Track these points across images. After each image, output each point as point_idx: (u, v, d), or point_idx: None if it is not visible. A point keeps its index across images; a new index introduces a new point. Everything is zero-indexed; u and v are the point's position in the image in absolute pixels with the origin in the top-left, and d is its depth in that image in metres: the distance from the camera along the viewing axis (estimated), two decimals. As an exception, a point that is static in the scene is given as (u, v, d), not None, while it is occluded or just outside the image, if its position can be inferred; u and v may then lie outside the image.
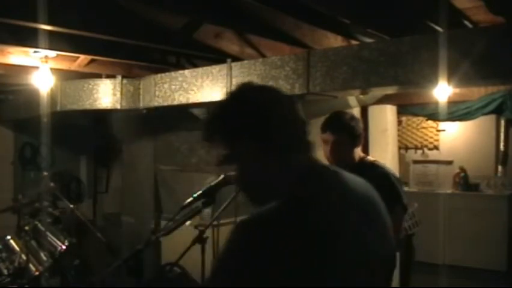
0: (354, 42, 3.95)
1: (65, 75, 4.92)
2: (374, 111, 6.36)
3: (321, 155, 2.40)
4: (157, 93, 4.65)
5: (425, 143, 6.92)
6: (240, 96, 1.17)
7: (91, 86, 4.90)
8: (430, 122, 6.80)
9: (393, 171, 2.62)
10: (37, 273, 3.46)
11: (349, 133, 2.51)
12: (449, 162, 6.57)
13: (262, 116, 1.10)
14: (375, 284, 1.10)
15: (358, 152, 2.59)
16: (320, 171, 1.14)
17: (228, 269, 0.97)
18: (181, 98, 4.45)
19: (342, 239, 1.01)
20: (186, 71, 4.46)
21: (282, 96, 1.18)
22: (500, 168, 6.29)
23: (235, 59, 4.12)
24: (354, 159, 2.54)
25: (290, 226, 0.96)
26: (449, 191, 6.35)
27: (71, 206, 3.85)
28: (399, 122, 6.94)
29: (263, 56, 4.12)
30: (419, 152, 6.95)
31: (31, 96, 5.41)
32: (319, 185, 1.08)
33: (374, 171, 2.48)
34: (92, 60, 4.57)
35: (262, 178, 1.14)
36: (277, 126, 1.10)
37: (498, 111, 5.80)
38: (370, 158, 2.63)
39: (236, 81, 4.03)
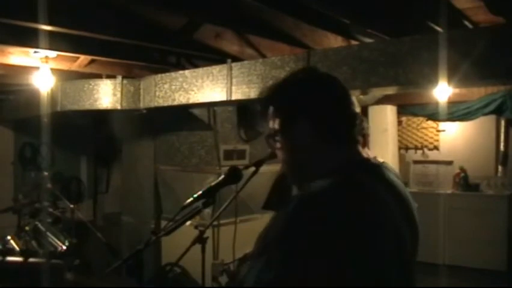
0: (354, 42, 3.96)
1: (65, 76, 4.93)
2: (374, 111, 6.37)
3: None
4: (157, 93, 4.65)
5: (425, 143, 6.92)
6: (313, 79, 1.18)
7: (91, 86, 4.90)
8: (430, 122, 6.80)
9: (398, 174, 2.57)
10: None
11: None
12: (449, 163, 6.56)
13: (327, 104, 1.13)
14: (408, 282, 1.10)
15: (365, 151, 2.55)
16: (365, 162, 1.17)
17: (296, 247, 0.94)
18: (181, 98, 4.45)
19: (387, 228, 1.02)
20: (186, 71, 4.46)
21: (343, 88, 1.20)
22: (500, 168, 6.29)
23: (236, 59, 4.12)
24: None
25: (348, 207, 0.97)
26: (449, 191, 6.35)
27: (71, 206, 3.86)
28: (400, 122, 6.94)
29: (263, 56, 4.12)
30: (419, 152, 6.95)
31: (31, 96, 5.41)
32: (365, 174, 1.10)
33: None
34: (92, 61, 4.57)
35: (311, 161, 1.14)
36: (336, 116, 1.13)
37: (498, 112, 5.80)
38: (379, 159, 2.59)
39: (236, 82, 4.03)
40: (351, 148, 1.16)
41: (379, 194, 1.06)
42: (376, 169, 1.16)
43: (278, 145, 1.17)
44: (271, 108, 1.17)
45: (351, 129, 1.16)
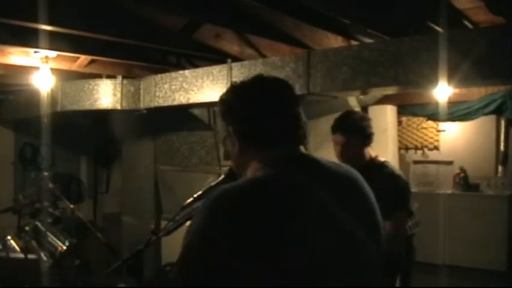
0: (354, 42, 3.96)
1: (66, 76, 4.93)
2: (374, 111, 6.36)
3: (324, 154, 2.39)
4: (157, 93, 4.65)
5: (425, 143, 6.91)
6: (244, 89, 1.27)
7: (91, 87, 4.90)
8: (430, 122, 6.80)
9: (402, 174, 2.59)
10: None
11: (359, 134, 2.51)
12: (449, 163, 6.56)
13: (253, 111, 1.22)
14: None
15: (368, 151, 2.58)
16: (297, 158, 1.20)
17: (195, 241, 1.02)
18: (181, 98, 4.45)
19: (304, 217, 1.04)
20: (186, 71, 4.46)
21: (279, 93, 1.24)
22: (500, 168, 6.28)
23: (236, 59, 4.12)
24: (364, 159, 2.53)
25: (249, 200, 1.03)
26: (449, 191, 6.34)
27: (72, 206, 3.85)
28: (400, 122, 6.93)
29: (263, 56, 4.12)
30: (419, 152, 6.95)
31: (31, 97, 5.41)
32: (287, 167, 1.14)
33: (382, 171, 2.48)
34: (92, 61, 4.57)
35: (245, 161, 1.22)
36: (262, 121, 1.20)
37: (498, 112, 5.79)
38: (381, 158, 2.61)
39: (236, 82, 4.03)
40: (285, 147, 1.20)
41: (299, 187, 1.09)
42: (310, 165, 1.18)
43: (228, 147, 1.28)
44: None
45: (286, 130, 1.21)
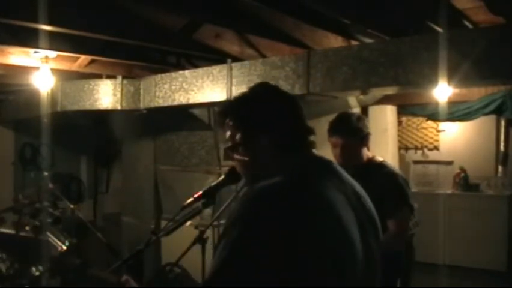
0: (354, 42, 3.96)
1: (66, 76, 4.93)
2: (374, 111, 6.37)
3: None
4: (157, 93, 4.65)
5: (425, 143, 6.91)
6: (262, 95, 1.33)
7: (91, 87, 4.90)
8: (430, 122, 6.80)
9: (401, 172, 2.61)
10: (37, 273, 3.47)
11: (356, 135, 2.51)
12: (449, 163, 6.56)
13: (279, 118, 1.28)
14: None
15: (366, 151, 2.58)
16: (317, 163, 1.28)
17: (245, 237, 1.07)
18: (181, 99, 4.45)
19: (332, 217, 1.13)
20: (186, 72, 4.46)
21: (295, 102, 1.34)
22: (500, 168, 6.28)
23: (236, 59, 4.12)
24: (362, 160, 2.54)
25: (295, 198, 1.10)
26: (449, 191, 6.34)
27: (72, 206, 3.85)
28: (400, 122, 6.93)
29: (263, 56, 4.13)
30: (419, 152, 6.95)
31: (31, 97, 5.41)
32: (314, 173, 1.22)
33: (381, 171, 2.50)
34: (92, 61, 4.57)
35: (267, 167, 1.25)
36: (288, 127, 1.28)
37: (498, 112, 5.79)
38: (379, 158, 2.63)
39: (236, 82, 4.03)
40: (303, 152, 1.29)
41: (323, 190, 1.17)
42: (327, 169, 1.27)
43: (237, 155, 1.31)
44: (230, 122, 1.31)
45: (303, 136, 1.30)
